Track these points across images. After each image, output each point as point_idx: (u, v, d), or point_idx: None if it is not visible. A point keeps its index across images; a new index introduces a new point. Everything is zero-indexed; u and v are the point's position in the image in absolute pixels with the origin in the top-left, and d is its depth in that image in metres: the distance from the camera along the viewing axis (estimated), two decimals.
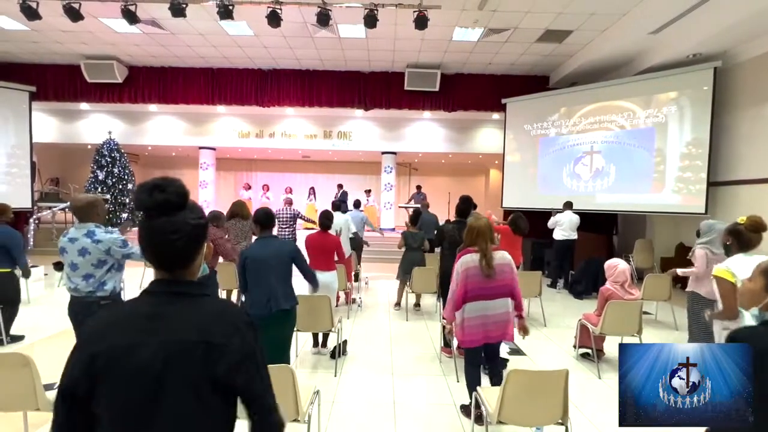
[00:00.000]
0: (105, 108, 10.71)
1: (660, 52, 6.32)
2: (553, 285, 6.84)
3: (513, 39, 6.90)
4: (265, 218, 2.61)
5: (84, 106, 10.62)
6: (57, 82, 8.72)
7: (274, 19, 5.49)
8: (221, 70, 8.73)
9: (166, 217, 0.84)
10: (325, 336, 3.63)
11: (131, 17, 5.47)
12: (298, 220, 6.50)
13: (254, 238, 2.80)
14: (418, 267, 4.77)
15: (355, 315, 4.91)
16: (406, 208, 11.48)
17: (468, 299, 2.41)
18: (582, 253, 7.32)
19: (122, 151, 10.52)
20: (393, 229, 11.37)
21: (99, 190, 10.11)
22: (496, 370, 2.55)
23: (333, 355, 3.44)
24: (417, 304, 5.23)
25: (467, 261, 2.43)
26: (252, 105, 8.86)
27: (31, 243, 8.75)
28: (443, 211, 11.14)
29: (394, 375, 3.27)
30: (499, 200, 9.23)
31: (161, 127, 11.13)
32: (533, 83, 8.59)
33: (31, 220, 8.87)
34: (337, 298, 5.25)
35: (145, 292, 0.89)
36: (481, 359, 2.56)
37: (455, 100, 8.84)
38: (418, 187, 11.15)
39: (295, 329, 2.70)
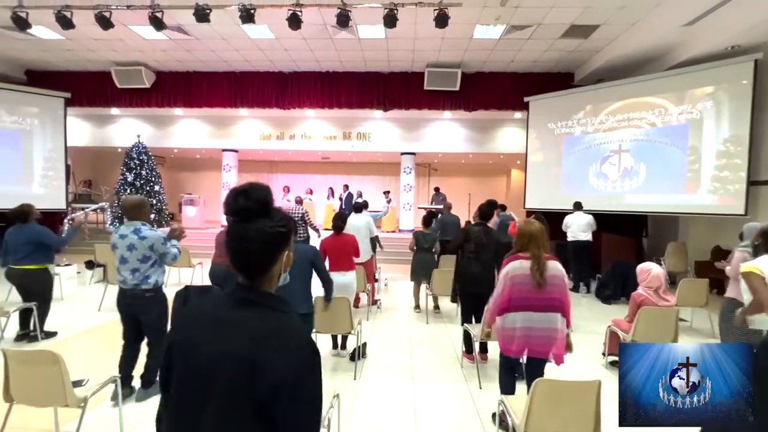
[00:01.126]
0: (134, 113, 11.12)
1: (694, 45, 6.00)
2: (574, 289, 6.61)
3: (536, 35, 6.72)
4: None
5: (114, 111, 11.05)
6: (90, 89, 9.11)
7: (294, 22, 5.53)
8: (243, 74, 8.89)
9: (244, 223, 0.85)
10: (345, 338, 3.61)
11: (158, 24, 5.63)
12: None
13: None
14: (437, 269, 4.69)
15: (374, 317, 4.88)
16: (425, 209, 11.40)
17: (512, 308, 2.28)
18: (609, 255, 7.05)
19: (150, 153, 10.88)
20: (412, 231, 11.29)
21: (128, 191, 10.48)
22: (535, 378, 2.45)
23: (353, 358, 3.41)
24: (436, 307, 5.15)
25: (515, 267, 2.29)
26: (273, 108, 8.99)
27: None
28: (463, 213, 10.99)
29: (415, 379, 3.21)
30: (522, 201, 9.01)
31: (186, 130, 11.46)
32: (557, 81, 8.36)
33: (66, 221, 9.27)
34: (358, 299, 5.24)
35: (225, 294, 0.90)
36: (519, 369, 2.46)
37: (476, 100, 8.70)
38: (437, 189, 11.04)
39: (313, 332, 2.67)
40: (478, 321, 3.47)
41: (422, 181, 14.35)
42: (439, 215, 6.54)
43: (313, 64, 8.39)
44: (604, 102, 7.33)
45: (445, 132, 10.94)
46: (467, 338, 3.45)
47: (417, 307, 5.15)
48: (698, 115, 6.26)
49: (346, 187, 11.40)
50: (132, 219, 2.78)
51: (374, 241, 5.17)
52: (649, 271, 3.13)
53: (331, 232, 3.72)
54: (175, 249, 2.87)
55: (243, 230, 0.84)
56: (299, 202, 6.67)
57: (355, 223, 5.10)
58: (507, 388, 2.34)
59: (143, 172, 10.67)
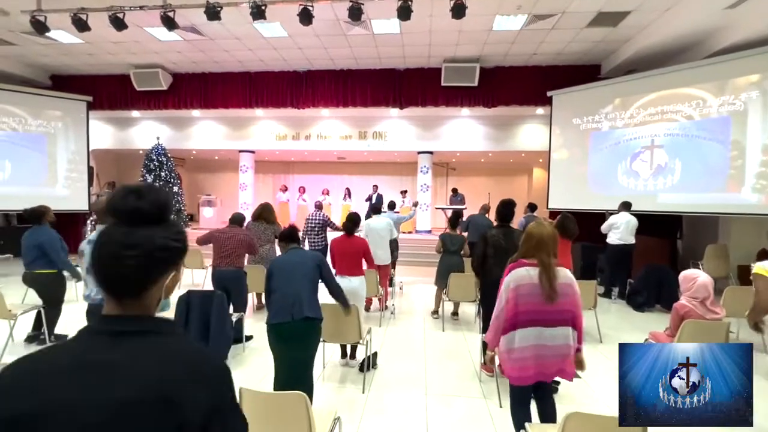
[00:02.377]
0: (153, 115, 11.28)
1: (738, 30, 5.49)
2: (606, 294, 6.19)
3: (560, 25, 6.34)
4: (287, 236, 2.60)
5: (135, 113, 11.25)
6: (110, 92, 9.27)
7: (305, 17, 5.38)
8: (258, 74, 8.84)
9: (127, 228, 0.69)
10: (354, 347, 3.40)
11: (170, 24, 5.59)
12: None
13: (278, 250, 2.68)
14: (455, 273, 4.42)
15: (387, 323, 4.65)
16: (443, 209, 11.09)
17: (519, 324, 2.00)
18: (641, 259, 6.57)
19: (169, 155, 11.02)
20: (429, 231, 11.00)
21: None
22: (548, 403, 2.17)
23: (362, 369, 3.19)
24: (455, 313, 4.87)
25: (521, 276, 2.00)
26: (288, 107, 8.91)
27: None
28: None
29: (428, 394, 2.96)
30: (545, 201, 8.59)
31: (204, 132, 11.55)
32: (582, 73, 7.90)
33: (88, 222, 9.48)
34: (369, 302, 5.03)
35: (87, 331, 0.68)
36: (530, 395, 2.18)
37: (495, 95, 8.35)
38: (454, 190, 10.70)
39: (320, 342, 2.47)
40: None
41: (440, 181, 14.03)
42: (464, 215, 6.23)
43: (327, 62, 8.24)
44: (635, 94, 6.86)
45: (464, 130, 10.60)
46: (486, 350, 3.17)
47: (435, 312, 4.88)
48: (742, 106, 5.74)
49: (376, 187, 11.06)
50: (105, 223, 2.62)
51: (394, 245, 4.97)
52: (695, 279, 2.77)
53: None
54: None
55: (125, 236, 0.67)
56: (319, 207, 6.40)
57: (375, 225, 4.89)
58: (522, 421, 2.05)
59: (162, 174, 10.80)
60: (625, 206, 6.06)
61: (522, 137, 10.49)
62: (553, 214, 8.51)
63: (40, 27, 5.77)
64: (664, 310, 5.37)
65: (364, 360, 3.16)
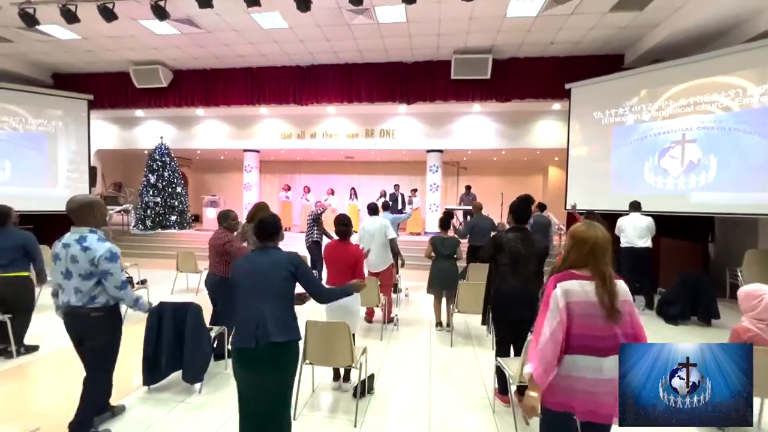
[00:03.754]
0: (157, 114, 11.12)
1: None
2: None
3: (581, 10, 5.81)
4: (266, 228, 2.00)
5: (139, 113, 11.11)
6: (111, 90, 9.07)
7: (303, 3, 4.99)
8: (260, 70, 8.51)
9: None
10: (347, 369, 2.97)
11: (161, 13, 5.28)
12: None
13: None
14: (464, 282, 3.95)
15: (389, 336, 4.21)
16: (450, 210, 10.59)
17: (570, 349, 1.56)
18: (672, 265, 6.01)
19: (172, 155, 10.81)
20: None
21: (150, 193, 10.45)
22: None
23: (356, 394, 2.76)
24: (447, 323, 4.36)
25: (573, 290, 1.57)
26: (291, 104, 8.55)
27: None
28: (495, 215, 10.08)
29: (432, 428, 2.52)
30: (562, 201, 8.04)
31: (208, 131, 11.33)
32: (603, 64, 7.33)
33: None
34: (371, 313, 4.60)
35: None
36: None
37: (509, 89, 7.83)
38: (468, 188, 10.17)
39: (298, 370, 2.03)
40: (517, 353, 2.72)
41: (450, 180, 13.53)
42: (468, 217, 5.78)
43: (330, 56, 7.86)
44: (663, 85, 6.27)
45: (475, 127, 10.10)
46: (502, 376, 2.71)
47: (438, 324, 4.42)
48: None
49: (398, 186, 10.47)
50: (79, 224, 2.25)
51: (393, 246, 4.51)
52: (761, 297, 2.25)
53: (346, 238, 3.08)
54: (125, 283, 2.29)
55: None
56: (322, 209, 6.18)
57: (368, 227, 4.47)
58: None
59: (166, 174, 10.61)
60: (634, 207, 5.51)
61: (537, 134, 9.95)
62: (572, 216, 7.95)
63: (29, 19, 5.53)
64: (702, 324, 4.80)
65: (357, 385, 2.73)
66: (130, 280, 4.91)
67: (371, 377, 2.97)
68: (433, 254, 4.32)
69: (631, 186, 6.66)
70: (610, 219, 5.93)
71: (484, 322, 2.88)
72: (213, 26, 6.66)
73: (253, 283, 1.86)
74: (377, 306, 4.15)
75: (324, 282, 2.90)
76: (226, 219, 3.52)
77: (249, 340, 1.79)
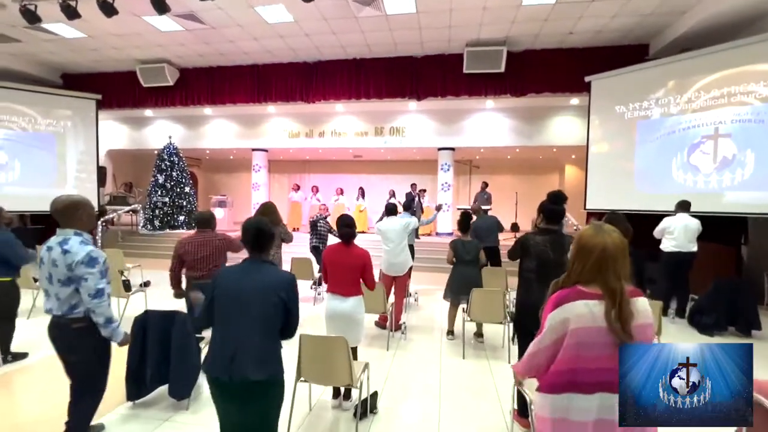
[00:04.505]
0: (166, 114, 11.07)
1: None
2: (662, 311, 5.22)
3: None
4: (255, 235, 1.71)
5: (148, 113, 11.08)
6: (118, 90, 9.02)
7: None
8: (266, 67, 8.33)
9: None
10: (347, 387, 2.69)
11: (161, 6, 5.10)
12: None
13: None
14: (476, 288, 3.64)
15: (397, 345, 3.92)
16: (464, 210, 10.24)
17: (579, 386, 1.28)
18: (703, 269, 5.55)
19: (180, 155, 10.74)
20: (451, 234, 10.18)
21: (159, 193, 10.39)
22: None
23: (357, 414, 2.48)
24: (478, 334, 4.09)
25: (579, 314, 1.30)
26: (298, 101, 8.34)
27: (99, 244, 9.13)
28: (509, 215, 9.70)
29: None
30: (581, 201, 7.62)
31: (216, 131, 11.23)
32: (625, 55, 6.89)
33: (99, 223, 9.26)
34: (384, 319, 4.32)
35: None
36: None
37: (525, 83, 7.46)
38: (484, 185, 9.75)
39: (292, 388, 1.75)
40: None
41: (462, 180, 13.15)
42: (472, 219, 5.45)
43: (338, 50, 7.61)
44: (694, 75, 5.82)
45: (488, 124, 9.73)
46: (522, 397, 2.40)
47: (450, 333, 4.12)
48: None
49: (414, 186, 9.88)
50: (65, 226, 2.08)
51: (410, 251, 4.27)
52: None
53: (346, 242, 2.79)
54: (103, 284, 2.03)
55: None
56: (325, 210, 5.95)
57: (387, 227, 4.20)
58: None
59: (174, 174, 10.53)
60: (683, 206, 5.07)
61: (553, 130, 9.52)
62: (592, 216, 7.53)
63: (30, 16, 5.44)
64: (740, 335, 4.38)
65: (358, 405, 2.45)
66: (126, 284, 4.74)
67: (374, 395, 2.69)
68: (453, 259, 4.02)
69: (657, 185, 6.22)
70: (633, 221, 5.53)
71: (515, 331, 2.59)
72: (217, 21, 6.49)
73: (235, 302, 1.59)
74: (384, 312, 3.87)
75: (324, 290, 2.64)
76: (207, 223, 3.30)
77: (222, 371, 1.52)
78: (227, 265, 1.95)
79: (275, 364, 1.61)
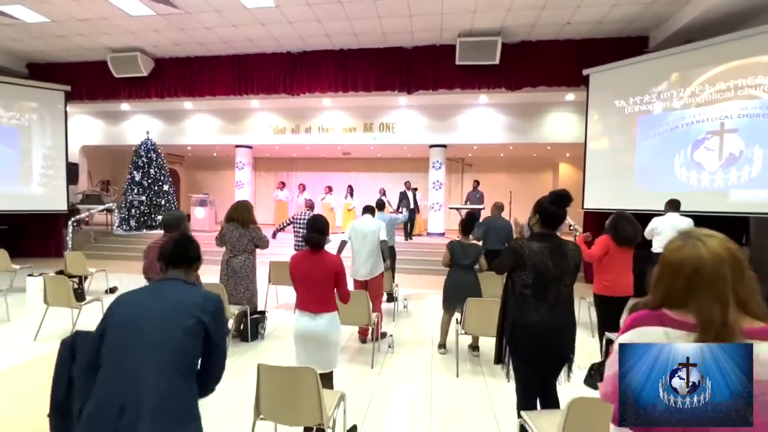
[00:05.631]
0: (144, 108, 10.50)
1: None
2: None
3: None
4: (173, 252, 1.34)
5: (125, 107, 10.49)
6: (88, 80, 8.44)
7: None
8: (248, 57, 7.84)
9: None
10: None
11: None
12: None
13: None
14: (472, 299, 3.25)
15: (382, 361, 3.51)
16: (457, 209, 9.87)
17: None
18: None
19: (159, 151, 10.19)
20: (442, 234, 9.82)
21: (135, 191, 9.83)
22: None
23: None
24: (474, 347, 3.70)
25: (654, 340, 0.96)
26: (281, 94, 7.87)
27: (69, 246, 8.55)
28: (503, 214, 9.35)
29: None
30: (577, 200, 7.29)
31: (198, 126, 10.69)
32: (625, 48, 6.58)
33: (70, 223, 8.68)
34: (365, 332, 3.91)
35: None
36: None
37: (520, 76, 7.10)
38: (476, 183, 9.42)
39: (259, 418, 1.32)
40: (547, 405, 2.02)
41: (454, 178, 12.82)
42: (481, 218, 5.06)
43: (323, 40, 7.16)
44: (698, 67, 5.52)
45: (481, 120, 9.38)
46: None
47: (442, 346, 3.72)
48: None
49: (408, 184, 9.66)
50: None
51: (383, 250, 3.83)
52: None
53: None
54: None
55: None
56: (311, 206, 5.40)
57: (361, 226, 3.80)
58: None
59: (152, 171, 9.99)
60: (673, 206, 4.76)
61: (548, 127, 9.21)
62: (588, 215, 7.23)
63: None
64: None
65: None
66: (78, 293, 4.24)
67: (353, 429, 2.28)
68: (450, 263, 3.62)
69: (658, 182, 5.92)
70: (638, 220, 5.22)
71: (498, 360, 2.16)
72: (191, 6, 5.99)
73: (132, 332, 1.17)
74: (368, 325, 3.46)
75: (294, 305, 2.22)
76: (173, 226, 2.85)
77: (106, 427, 1.09)
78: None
79: (186, 422, 1.16)
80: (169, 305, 1.20)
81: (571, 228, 7.48)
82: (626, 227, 3.31)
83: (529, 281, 1.94)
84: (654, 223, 4.59)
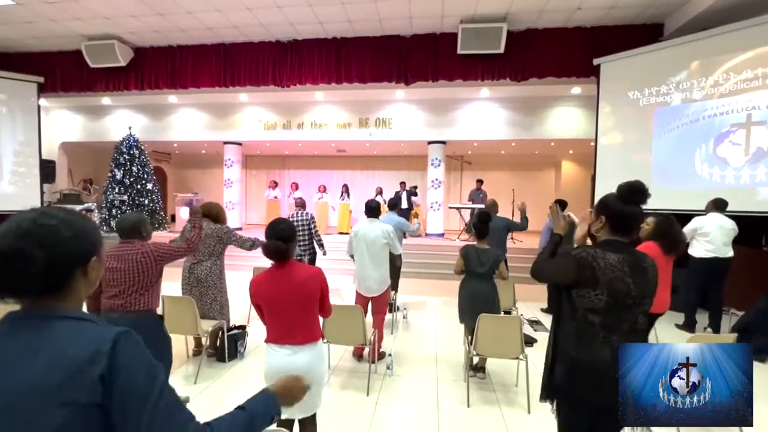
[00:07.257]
0: (127, 102, 9.93)
1: None
2: (688, 326, 4.50)
3: None
4: (16, 268, 0.66)
5: (107, 101, 9.91)
6: (63, 71, 7.86)
7: None
8: (234, 46, 7.31)
9: None
10: None
11: None
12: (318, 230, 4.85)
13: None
14: (486, 315, 2.76)
15: (380, 386, 3.02)
16: (458, 209, 9.43)
17: None
18: (736, 276, 4.84)
19: (142, 147, 9.62)
20: (442, 235, 9.35)
21: (116, 190, 9.26)
22: None
23: None
24: (479, 368, 3.21)
25: None
26: (269, 84, 7.34)
27: None
28: (505, 214, 8.90)
29: None
30: (578, 199, 6.88)
31: (184, 122, 10.14)
32: (638, 35, 6.15)
33: None
34: (360, 350, 3.43)
35: None
36: None
37: (526, 66, 6.63)
38: (479, 182, 8.95)
39: None
40: None
41: (454, 176, 12.36)
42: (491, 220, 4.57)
43: (315, 27, 6.65)
44: (722, 54, 5.09)
45: (483, 115, 8.91)
46: None
47: (480, 369, 3.20)
48: None
49: (404, 184, 9.33)
50: None
51: (396, 264, 3.36)
52: None
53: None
54: None
55: None
56: (302, 205, 4.90)
57: (366, 232, 3.29)
58: None
59: (134, 169, 9.41)
60: (717, 205, 4.36)
61: (553, 122, 8.76)
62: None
63: None
64: None
65: None
66: None
67: None
68: (463, 270, 3.12)
69: (677, 179, 5.49)
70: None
71: (544, 398, 1.65)
72: None
73: None
74: (363, 344, 2.97)
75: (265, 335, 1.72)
76: (135, 232, 2.34)
77: None
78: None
79: None
80: (26, 382, 0.67)
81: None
82: (680, 233, 2.92)
83: (601, 305, 1.41)
84: (697, 222, 4.17)
